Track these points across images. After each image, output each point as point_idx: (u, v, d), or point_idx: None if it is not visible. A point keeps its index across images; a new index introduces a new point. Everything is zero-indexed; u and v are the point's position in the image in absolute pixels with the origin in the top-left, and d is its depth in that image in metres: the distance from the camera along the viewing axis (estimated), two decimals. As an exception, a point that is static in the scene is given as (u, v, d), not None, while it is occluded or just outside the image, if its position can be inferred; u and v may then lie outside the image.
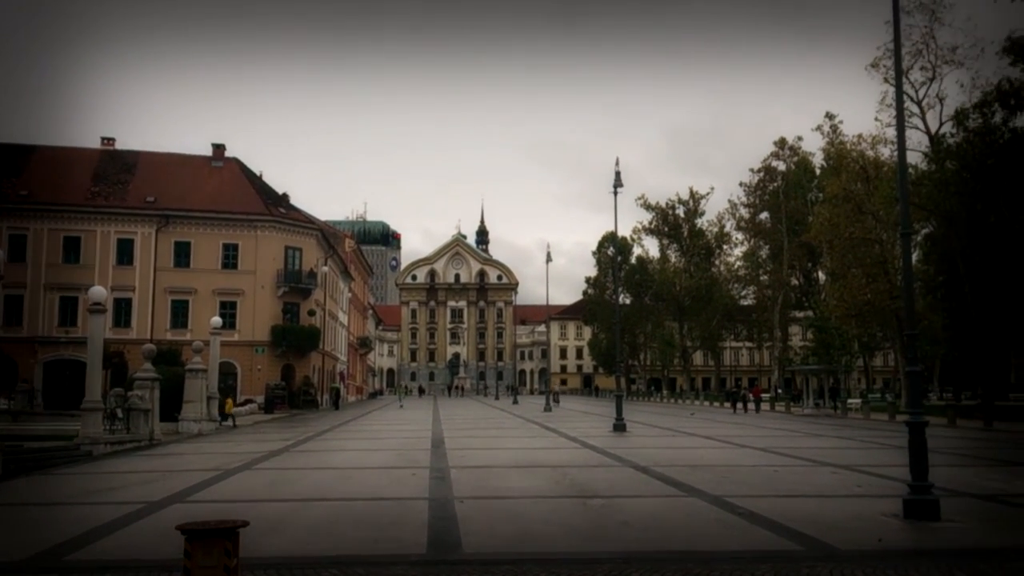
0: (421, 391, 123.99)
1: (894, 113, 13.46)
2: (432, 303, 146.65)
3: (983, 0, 35.96)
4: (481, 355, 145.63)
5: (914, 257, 64.93)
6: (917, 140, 48.30)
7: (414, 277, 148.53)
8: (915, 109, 47.29)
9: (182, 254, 52.24)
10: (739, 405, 52.54)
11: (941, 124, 47.02)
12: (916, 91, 47.11)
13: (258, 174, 60.80)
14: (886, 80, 45.49)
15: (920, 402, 11.86)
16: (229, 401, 37.15)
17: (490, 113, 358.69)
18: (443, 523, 10.71)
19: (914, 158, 48.55)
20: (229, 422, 34.85)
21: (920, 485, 10.74)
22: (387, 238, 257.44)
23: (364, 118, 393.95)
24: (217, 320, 39.10)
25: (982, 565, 8.05)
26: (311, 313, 55.31)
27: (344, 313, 75.51)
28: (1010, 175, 38.69)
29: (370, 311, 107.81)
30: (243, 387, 50.05)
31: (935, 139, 46.77)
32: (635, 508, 12.14)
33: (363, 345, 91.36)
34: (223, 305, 51.61)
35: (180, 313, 51.63)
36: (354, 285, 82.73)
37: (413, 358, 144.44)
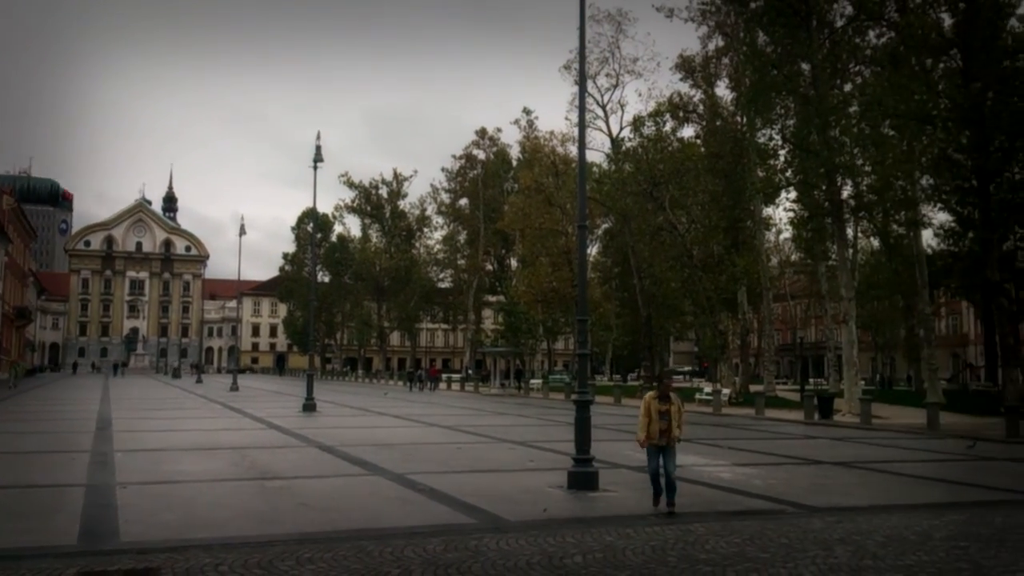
0: (75, 368, 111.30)
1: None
2: (109, 272, 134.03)
3: (661, 18, 40.16)
4: (164, 330, 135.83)
5: (594, 250, 71.12)
6: (601, 142, 52.72)
7: (88, 243, 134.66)
8: (600, 112, 51.38)
9: None
10: (420, 384, 55.43)
11: (621, 128, 51.57)
12: (602, 96, 51.22)
13: None
14: (576, 82, 48.96)
15: (587, 382, 12.87)
16: None
17: (182, 76, 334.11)
18: (100, 511, 9.81)
19: (598, 158, 52.88)
20: None
21: (582, 458, 11.64)
22: (56, 198, 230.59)
23: (32, 63, 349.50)
24: None
25: (628, 530, 8.88)
26: (-44, 278, 48.05)
27: (-1, 279, 66.57)
28: (675, 180, 43.36)
29: (31, 278, 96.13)
30: None
31: (615, 142, 51.16)
32: (316, 488, 11.92)
33: (21, 316, 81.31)
34: None
35: None
36: (12, 248, 73.23)
37: (83, 332, 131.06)
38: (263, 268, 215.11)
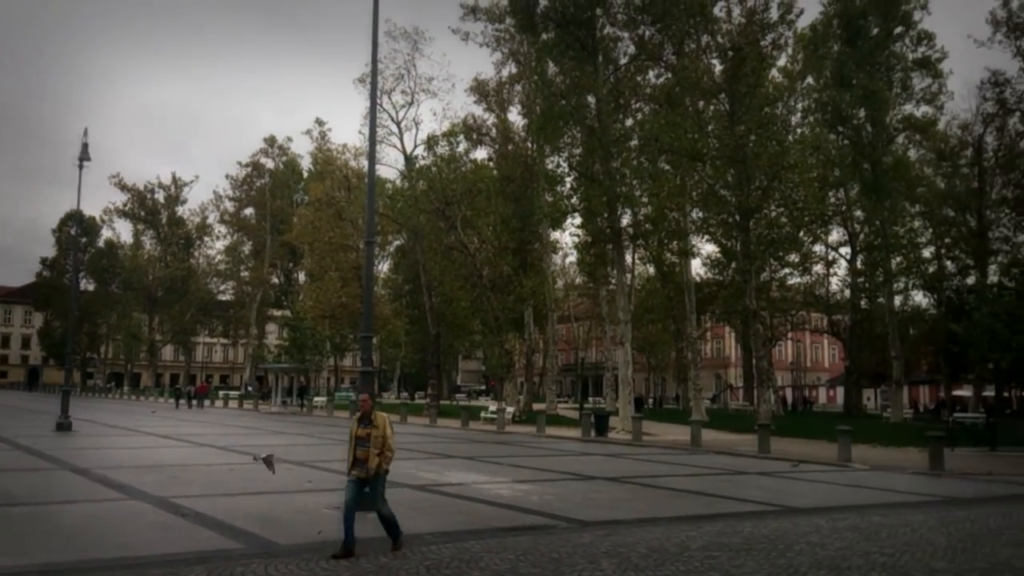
0: None
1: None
2: None
3: (457, 40, 40.90)
4: None
5: (385, 266, 70.68)
6: (394, 158, 52.65)
7: None
8: (394, 129, 51.29)
9: None
10: (188, 401, 53.01)
11: (416, 146, 51.74)
12: (396, 112, 51.15)
13: None
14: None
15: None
16: None
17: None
18: None
19: (392, 174, 52.67)
20: None
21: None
22: None
23: None
24: None
25: (404, 549, 8.83)
26: None
27: None
28: (467, 200, 43.98)
29: None
30: None
31: (409, 159, 51.25)
32: (66, 515, 10.89)
33: None
34: None
35: None
36: None
37: None
38: (17, 273, 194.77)
